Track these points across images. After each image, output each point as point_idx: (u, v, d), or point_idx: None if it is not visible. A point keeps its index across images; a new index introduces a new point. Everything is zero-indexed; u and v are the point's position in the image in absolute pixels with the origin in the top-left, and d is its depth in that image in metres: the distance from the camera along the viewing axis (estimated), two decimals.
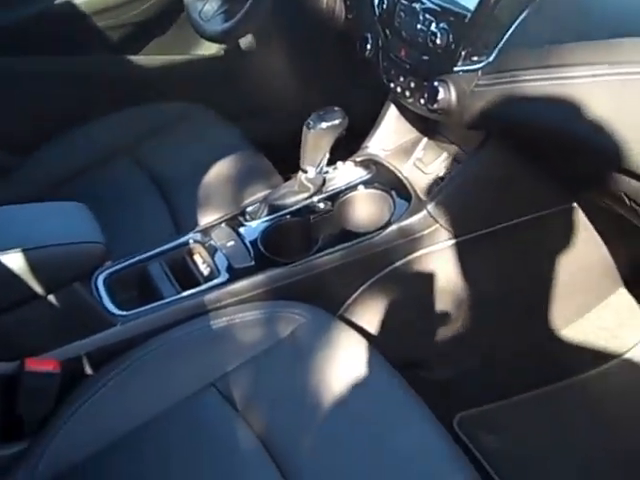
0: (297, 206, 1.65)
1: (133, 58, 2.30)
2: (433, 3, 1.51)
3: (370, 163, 1.76)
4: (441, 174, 1.72)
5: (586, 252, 1.82)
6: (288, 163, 1.76)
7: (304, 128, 1.58)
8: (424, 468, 1.26)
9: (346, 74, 2.25)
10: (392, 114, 1.81)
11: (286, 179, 1.78)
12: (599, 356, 1.89)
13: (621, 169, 1.32)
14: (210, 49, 2.38)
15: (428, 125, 1.78)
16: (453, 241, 1.66)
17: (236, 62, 2.39)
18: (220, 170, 1.85)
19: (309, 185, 1.65)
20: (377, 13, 1.65)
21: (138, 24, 2.27)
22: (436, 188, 1.68)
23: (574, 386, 1.85)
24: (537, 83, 1.36)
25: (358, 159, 1.77)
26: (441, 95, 1.49)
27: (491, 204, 1.65)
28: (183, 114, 2.06)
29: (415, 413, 1.34)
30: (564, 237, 1.76)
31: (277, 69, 2.38)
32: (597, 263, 1.88)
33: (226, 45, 2.34)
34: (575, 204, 1.69)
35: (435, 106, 1.50)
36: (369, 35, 1.68)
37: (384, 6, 1.62)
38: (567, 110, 1.33)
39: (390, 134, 1.81)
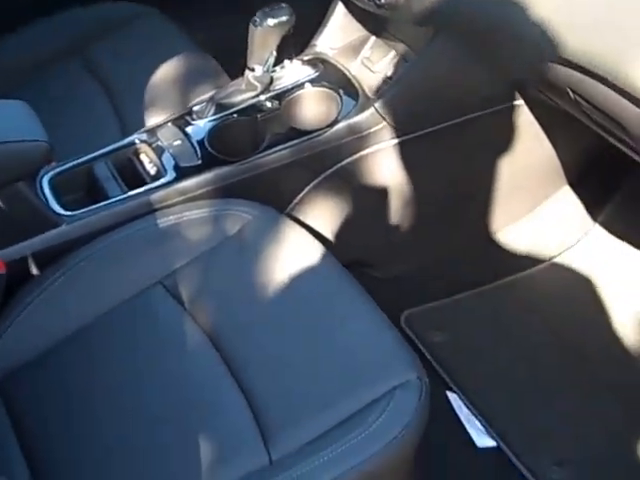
0: (244, 105, 1.64)
1: None
2: None
3: (317, 61, 1.75)
4: (389, 73, 1.71)
5: (531, 151, 1.83)
6: (237, 67, 1.75)
7: (250, 26, 1.57)
8: (372, 358, 1.28)
9: None
10: (340, 11, 1.79)
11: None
12: (541, 254, 1.92)
13: (561, 60, 1.32)
14: None
15: (376, 23, 1.76)
16: (399, 139, 1.67)
17: None
18: (168, 71, 1.83)
19: (256, 84, 1.64)
20: None
21: None
22: (384, 86, 1.68)
23: (517, 284, 1.88)
24: None
25: (305, 57, 1.76)
26: None
27: (438, 102, 1.65)
28: (132, 15, 2.02)
29: (363, 307, 1.36)
30: (509, 136, 1.77)
31: None
32: (542, 162, 1.89)
33: None
34: (521, 102, 1.69)
35: (382, 1, 1.49)
36: None
37: None
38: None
39: (338, 32, 1.80)
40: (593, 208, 1.96)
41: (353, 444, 1.17)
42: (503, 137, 1.77)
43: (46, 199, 1.50)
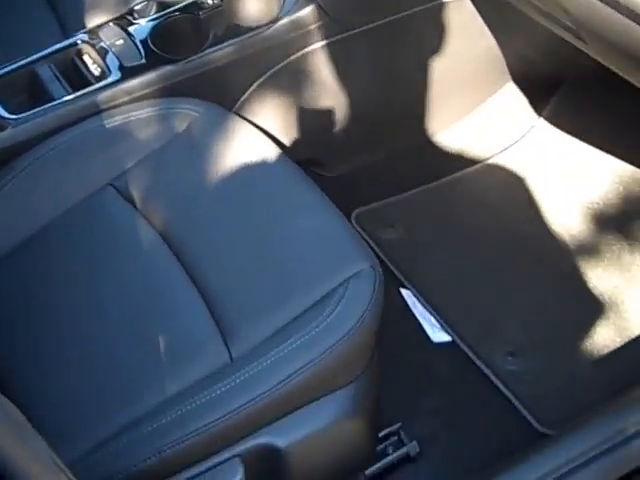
0: (185, 2, 1.61)
1: None
2: None
3: None
4: None
5: (474, 46, 1.84)
6: None
7: None
8: (325, 251, 1.29)
9: None
10: None
11: None
12: (488, 150, 1.94)
13: None
14: None
15: None
16: (343, 35, 1.66)
17: None
18: None
19: None
20: None
21: None
22: None
23: (464, 179, 1.90)
24: None
25: None
26: None
27: None
28: None
29: (315, 201, 1.36)
30: (452, 31, 1.77)
31: None
32: (486, 57, 1.89)
33: None
34: None
35: None
36: None
37: None
38: None
39: None
40: (538, 103, 1.98)
41: (312, 336, 1.18)
42: (446, 32, 1.76)
43: None
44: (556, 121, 1.96)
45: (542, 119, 1.96)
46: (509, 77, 1.97)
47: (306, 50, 1.64)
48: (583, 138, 1.91)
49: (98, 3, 1.70)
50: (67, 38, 1.59)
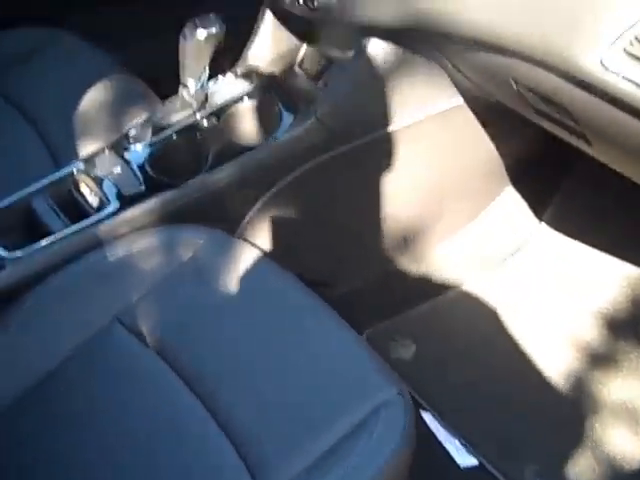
0: (182, 124, 1.57)
1: None
2: None
3: (252, 73, 1.69)
4: (325, 80, 1.67)
5: (472, 152, 1.80)
6: (163, 85, 1.68)
7: (180, 39, 1.49)
8: (350, 377, 1.23)
9: None
10: (269, 21, 1.73)
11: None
12: (491, 259, 1.90)
13: (502, 49, 1.30)
14: None
15: (307, 29, 1.71)
16: (344, 147, 1.62)
17: None
18: (95, 96, 1.74)
19: (192, 101, 1.57)
20: None
21: None
22: (321, 94, 1.63)
23: (470, 291, 1.86)
24: None
25: (239, 70, 1.70)
26: None
27: (378, 107, 1.61)
28: (46, 40, 1.92)
29: (332, 322, 1.31)
30: (452, 138, 1.74)
31: None
32: (483, 163, 1.86)
33: None
34: (460, 101, 1.67)
35: (316, 4, 1.45)
36: None
37: None
38: None
39: (269, 42, 1.74)
40: (538, 206, 1.95)
41: (348, 472, 1.11)
42: (445, 141, 1.73)
43: None
44: (557, 225, 1.93)
45: (543, 223, 1.94)
46: (508, 182, 1.93)
47: (307, 166, 1.60)
48: (587, 241, 1.88)
49: (90, 131, 1.66)
50: (60, 167, 1.55)
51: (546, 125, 1.47)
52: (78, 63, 1.87)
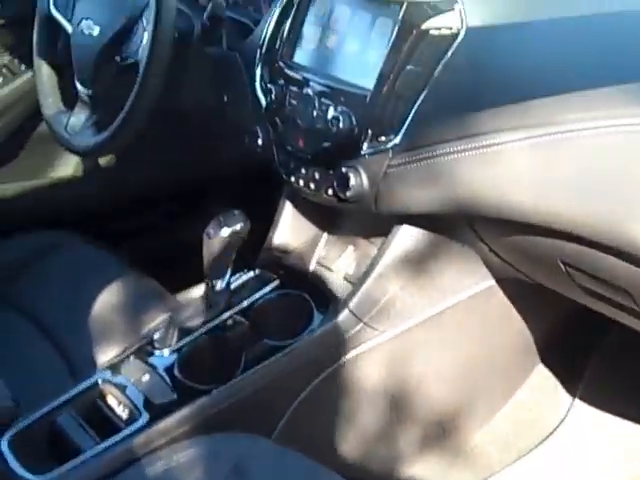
0: (210, 325, 1.50)
1: None
2: (327, 87, 1.43)
3: (276, 267, 1.64)
4: (350, 271, 1.61)
5: (505, 332, 1.74)
6: (175, 284, 1.65)
7: (204, 237, 1.44)
8: None
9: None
10: (288, 212, 1.69)
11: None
12: (525, 443, 1.80)
13: (553, 232, 1.26)
14: (65, 171, 2.20)
15: (329, 218, 1.67)
16: (381, 338, 1.55)
17: (93, 182, 2.22)
18: (108, 299, 1.68)
19: (218, 300, 1.51)
20: (264, 105, 1.54)
21: None
22: (349, 285, 1.58)
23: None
24: (458, 155, 1.29)
25: (262, 264, 1.64)
26: (352, 182, 1.40)
27: (411, 294, 1.55)
28: (51, 244, 1.87)
29: None
30: (479, 320, 1.68)
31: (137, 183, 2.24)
32: (515, 342, 1.79)
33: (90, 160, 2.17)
34: (493, 282, 1.61)
35: (348, 194, 1.41)
36: (258, 129, 1.57)
37: (273, 96, 1.50)
38: (499, 178, 1.27)
39: (290, 234, 1.69)
40: (571, 382, 1.87)
41: None
42: (473, 323, 1.67)
43: (8, 464, 1.30)
44: (592, 399, 1.84)
45: (577, 400, 1.85)
46: (538, 360, 1.86)
47: (343, 360, 1.52)
48: (622, 414, 1.79)
49: (108, 336, 1.60)
50: (84, 378, 1.45)
51: (595, 305, 1.42)
52: (84, 266, 1.82)
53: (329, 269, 1.64)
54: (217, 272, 1.48)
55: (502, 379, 1.82)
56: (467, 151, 1.27)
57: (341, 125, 1.38)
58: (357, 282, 1.54)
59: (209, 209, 1.50)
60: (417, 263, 1.52)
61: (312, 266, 1.65)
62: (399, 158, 1.35)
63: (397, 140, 1.35)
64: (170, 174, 2.25)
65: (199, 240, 1.42)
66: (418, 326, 1.57)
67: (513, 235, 1.37)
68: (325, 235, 1.69)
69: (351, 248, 1.64)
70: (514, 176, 1.26)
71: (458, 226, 1.44)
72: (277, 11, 1.55)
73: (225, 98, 1.68)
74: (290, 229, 1.69)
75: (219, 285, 1.48)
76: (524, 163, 1.24)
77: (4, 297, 1.74)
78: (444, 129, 1.30)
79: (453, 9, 1.32)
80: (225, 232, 1.42)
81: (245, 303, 1.55)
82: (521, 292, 1.64)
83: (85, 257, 1.86)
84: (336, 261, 1.64)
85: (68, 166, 2.18)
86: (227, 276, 1.49)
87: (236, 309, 1.53)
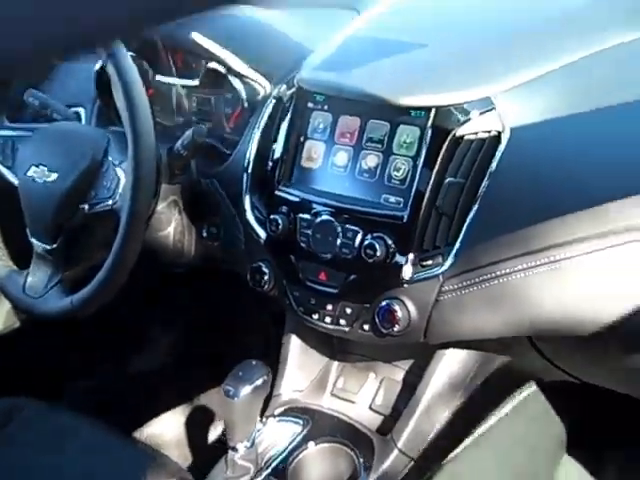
0: None
1: None
2: (348, 210, 1.26)
3: (294, 412, 1.45)
4: (379, 401, 1.45)
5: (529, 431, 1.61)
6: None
7: (224, 398, 1.26)
8: None
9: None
10: (295, 347, 1.50)
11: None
12: None
13: None
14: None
15: (339, 347, 1.51)
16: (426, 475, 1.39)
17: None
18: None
19: (246, 464, 1.32)
20: (263, 237, 1.36)
21: None
22: (382, 417, 1.42)
23: None
24: (526, 273, 1.15)
25: (278, 412, 1.45)
26: (399, 315, 1.23)
27: (453, 420, 1.39)
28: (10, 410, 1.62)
29: None
30: (522, 425, 1.55)
31: None
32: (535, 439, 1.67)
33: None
34: (534, 387, 1.48)
35: (395, 329, 1.24)
36: (262, 265, 1.39)
37: (275, 226, 1.32)
38: (569, 294, 1.13)
39: (298, 371, 1.50)
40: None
41: None
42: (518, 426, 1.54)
43: None
44: None
45: None
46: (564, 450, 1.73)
47: None
48: None
49: None
50: None
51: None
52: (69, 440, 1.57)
53: (351, 401, 1.47)
54: (242, 434, 1.30)
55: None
56: (535, 268, 1.14)
57: (378, 253, 1.21)
58: (398, 415, 1.37)
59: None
60: (464, 389, 1.37)
61: (331, 403, 1.47)
62: (453, 283, 1.20)
63: (448, 263, 1.19)
64: None
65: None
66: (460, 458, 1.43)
67: (582, 348, 1.24)
68: (335, 364, 1.52)
69: (372, 375, 1.47)
70: (591, 290, 1.13)
71: (516, 344, 1.29)
72: (258, 132, 1.40)
73: (204, 234, 1.51)
74: (298, 367, 1.50)
75: (243, 448, 1.30)
76: (602, 274, 1.12)
77: None
78: (503, 246, 1.15)
79: (490, 110, 1.18)
80: (247, 388, 1.25)
81: (277, 461, 1.36)
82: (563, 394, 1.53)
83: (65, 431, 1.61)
84: (358, 392, 1.47)
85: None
86: (252, 436, 1.31)
87: (269, 470, 1.34)
